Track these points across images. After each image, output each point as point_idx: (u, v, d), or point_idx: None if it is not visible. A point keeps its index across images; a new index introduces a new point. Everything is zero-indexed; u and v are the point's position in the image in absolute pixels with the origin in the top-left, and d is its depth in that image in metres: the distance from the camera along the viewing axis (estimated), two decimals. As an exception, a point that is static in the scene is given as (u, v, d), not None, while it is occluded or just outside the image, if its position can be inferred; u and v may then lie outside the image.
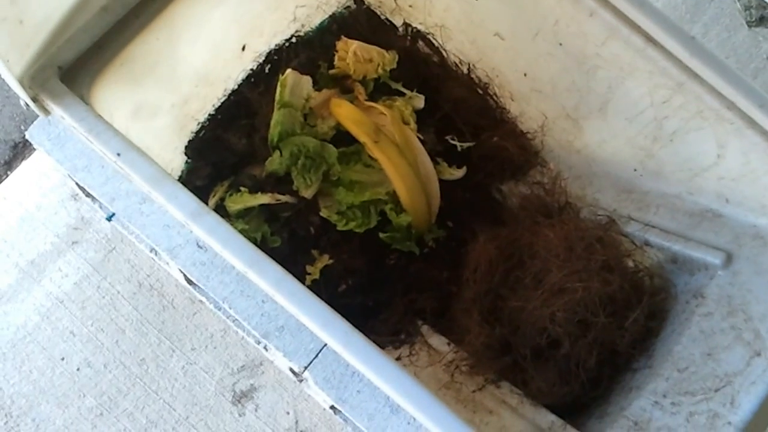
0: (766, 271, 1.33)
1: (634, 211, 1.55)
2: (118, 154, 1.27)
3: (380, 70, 1.82)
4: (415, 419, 1.14)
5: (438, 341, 1.61)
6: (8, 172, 2.26)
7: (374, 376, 1.16)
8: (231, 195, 1.71)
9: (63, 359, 2.02)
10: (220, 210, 1.72)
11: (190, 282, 1.47)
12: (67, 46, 1.34)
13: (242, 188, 1.70)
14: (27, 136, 1.47)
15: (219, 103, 1.79)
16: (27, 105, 1.34)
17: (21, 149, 2.31)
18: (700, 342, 1.34)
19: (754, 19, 2.24)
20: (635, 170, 1.56)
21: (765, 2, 2.22)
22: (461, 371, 1.53)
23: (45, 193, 2.19)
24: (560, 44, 1.53)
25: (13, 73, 1.26)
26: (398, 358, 1.59)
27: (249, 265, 1.21)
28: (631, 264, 1.50)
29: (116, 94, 1.47)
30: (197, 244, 1.41)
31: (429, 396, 1.14)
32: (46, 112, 1.35)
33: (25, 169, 2.25)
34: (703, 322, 1.35)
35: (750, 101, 1.28)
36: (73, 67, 1.37)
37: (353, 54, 1.79)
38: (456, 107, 1.82)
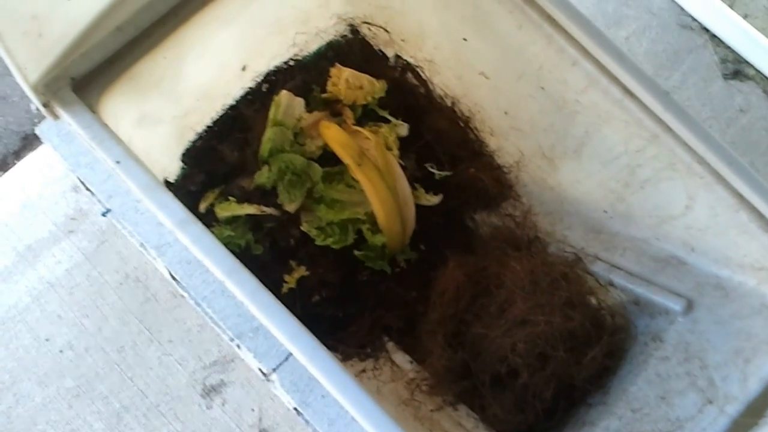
0: (725, 321, 1.24)
1: (601, 251, 1.46)
2: (118, 162, 1.24)
3: (369, 98, 1.73)
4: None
5: (402, 359, 1.52)
6: (16, 161, 2.16)
7: (333, 389, 1.12)
8: (220, 202, 1.64)
9: (48, 340, 1.93)
10: (210, 215, 1.65)
11: (174, 278, 1.39)
12: (82, 60, 1.31)
13: (231, 197, 1.62)
14: (37, 131, 1.39)
15: (217, 117, 1.72)
16: (38, 109, 1.30)
17: (30, 141, 2.20)
18: (655, 385, 1.26)
19: (729, 72, 2.17)
20: (605, 212, 1.47)
21: (741, 57, 2.16)
22: (421, 390, 1.44)
23: (48, 183, 2.09)
24: (542, 88, 1.44)
25: (29, 80, 1.23)
26: (363, 371, 1.51)
27: (227, 274, 1.17)
28: (594, 302, 1.41)
29: (123, 105, 1.42)
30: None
31: (383, 414, 1.08)
32: (55, 117, 1.31)
33: (32, 159, 2.15)
34: (659, 366, 1.27)
35: (719, 158, 1.20)
36: (85, 79, 1.32)
37: (345, 80, 1.72)
38: (437, 137, 1.74)
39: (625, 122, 1.29)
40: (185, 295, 1.31)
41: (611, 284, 1.41)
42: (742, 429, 1.12)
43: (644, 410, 1.23)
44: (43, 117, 1.34)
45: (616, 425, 1.24)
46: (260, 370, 1.23)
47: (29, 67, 1.21)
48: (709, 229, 1.26)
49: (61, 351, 1.90)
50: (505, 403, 1.33)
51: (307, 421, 1.17)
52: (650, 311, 1.34)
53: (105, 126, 1.26)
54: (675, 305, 1.29)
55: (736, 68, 2.15)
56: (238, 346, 1.24)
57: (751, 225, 1.18)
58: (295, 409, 1.19)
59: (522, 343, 1.31)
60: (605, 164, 1.40)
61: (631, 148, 1.32)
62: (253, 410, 1.85)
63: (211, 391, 1.87)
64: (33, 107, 2.21)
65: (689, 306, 1.28)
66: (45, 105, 1.27)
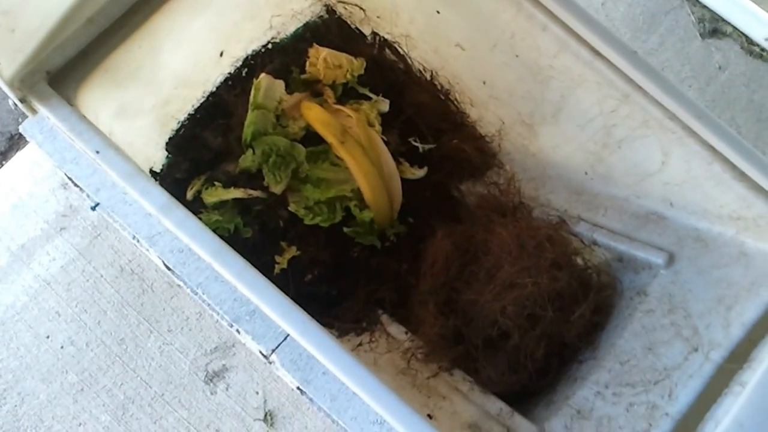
0: (705, 271, 1.28)
1: (583, 212, 1.50)
2: (97, 152, 1.25)
3: (348, 76, 1.76)
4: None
5: (396, 330, 1.55)
6: (3, 162, 2.19)
7: (331, 365, 1.14)
8: (207, 188, 1.66)
9: (48, 337, 1.97)
10: (198, 201, 1.67)
11: (168, 267, 1.42)
12: (56, 54, 1.33)
13: (217, 183, 1.65)
14: (20, 130, 1.43)
15: (198, 104, 1.75)
16: (15, 105, 1.32)
17: (16, 141, 2.23)
18: (641, 337, 1.29)
19: (707, 31, 2.20)
20: (586, 173, 1.51)
21: (717, 15, 2.19)
22: (417, 358, 1.48)
23: (37, 181, 2.13)
24: (516, 56, 1.47)
25: (4, 76, 1.25)
26: (359, 345, 1.54)
27: (213, 256, 1.19)
28: (579, 261, 1.44)
29: (101, 96, 1.44)
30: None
31: (377, 382, 1.12)
32: (33, 111, 1.33)
33: (19, 159, 2.18)
34: (645, 318, 1.31)
35: (688, 112, 1.23)
36: (61, 72, 1.34)
37: (324, 60, 1.74)
38: (419, 111, 1.77)
39: (597, 84, 1.33)
40: (181, 284, 1.34)
41: (595, 243, 1.44)
42: (727, 374, 1.15)
43: (632, 362, 1.26)
44: (26, 116, 1.35)
45: (606, 378, 1.28)
46: (261, 352, 1.28)
47: (3, 62, 1.23)
48: (686, 183, 1.30)
49: (62, 347, 1.94)
50: (499, 364, 1.37)
51: (311, 400, 1.22)
52: (634, 267, 1.38)
53: (83, 117, 1.28)
54: (657, 259, 1.33)
55: (713, 26, 2.18)
56: (238, 331, 1.29)
57: (725, 176, 1.22)
58: (298, 388, 1.23)
59: (511, 305, 1.35)
60: (582, 127, 1.44)
61: (606, 109, 1.35)
62: (257, 393, 1.90)
63: (214, 377, 1.91)
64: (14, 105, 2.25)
65: (671, 259, 1.32)
66: (22, 100, 1.29)
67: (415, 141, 1.75)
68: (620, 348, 1.30)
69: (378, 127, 1.71)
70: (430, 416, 1.33)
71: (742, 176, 1.21)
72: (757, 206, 1.21)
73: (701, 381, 1.17)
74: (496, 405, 1.37)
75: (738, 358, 1.16)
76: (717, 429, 1.08)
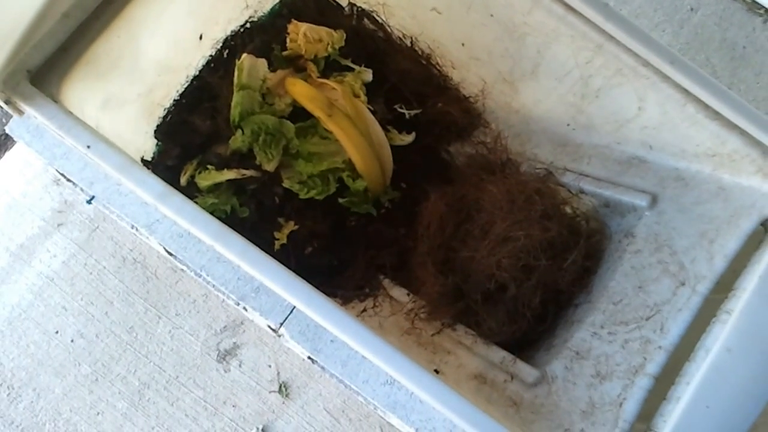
0: (687, 209, 1.35)
1: (569, 163, 1.56)
2: (88, 147, 1.28)
3: (329, 49, 1.80)
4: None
5: (398, 292, 1.62)
6: None
7: (338, 332, 1.20)
8: (200, 172, 1.71)
9: (57, 332, 2.04)
10: (192, 186, 1.72)
11: (170, 253, 1.46)
12: (34, 52, 1.36)
13: (210, 166, 1.69)
14: (7, 131, 1.46)
15: (182, 89, 1.79)
16: (0, 107, 1.36)
17: (4, 141, 2.29)
18: (631, 277, 1.36)
19: None
20: (568, 125, 1.58)
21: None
22: (420, 318, 1.54)
23: (29, 180, 2.19)
24: (491, 15, 1.54)
25: None
26: (364, 310, 1.60)
27: (215, 238, 1.24)
28: (568, 210, 1.51)
29: (85, 90, 1.48)
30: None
31: (384, 343, 1.19)
32: (20, 112, 1.37)
33: (8, 159, 2.25)
34: (633, 259, 1.38)
35: (660, 58, 1.31)
36: (42, 70, 1.38)
37: (303, 35, 1.78)
38: (402, 78, 1.81)
39: (571, 37, 1.40)
40: (184, 268, 1.40)
41: (582, 192, 1.52)
42: (714, 304, 1.24)
43: (624, 301, 1.35)
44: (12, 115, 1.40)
45: (601, 319, 1.36)
46: (269, 327, 1.34)
47: (-18, 66, 1.27)
48: (663, 126, 1.38)
49: (72, 341, 2.03)
50: (498, 316, 1.45)
51: (322, 368, 1.29)
52: (620, 211, 1.46)
53: (70, 114, 1.32)
54: (641, 201, 1.41)
55: (682, -32, 2.22)
56: (245, 309, 1.35)
57: (699, 116, 1.31)
58: (309, 357, 1.30)
59: (506, 258, 1.42)
60: (560, 80, 1.51)
61: (581, 61, 1.43)
62: (270, 366, 1.98)
63: (226, 356, 2.00)
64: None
65: (654, 200, 1.40)
66: (6, 102, 1.34)
67: (401, 108, 1.80)
68: (612, 289, 1.37)
69: (363, 97, 1.76)
70: (437, 371, 1.40)
71: (715, 115, 1.29)
72: (731, 142, 1.29)
73: (690, 313, 1.25)
74: (499, 354, 1.44)
75: (723, 288, 1.24)
76: (707, 356, 1.16)
